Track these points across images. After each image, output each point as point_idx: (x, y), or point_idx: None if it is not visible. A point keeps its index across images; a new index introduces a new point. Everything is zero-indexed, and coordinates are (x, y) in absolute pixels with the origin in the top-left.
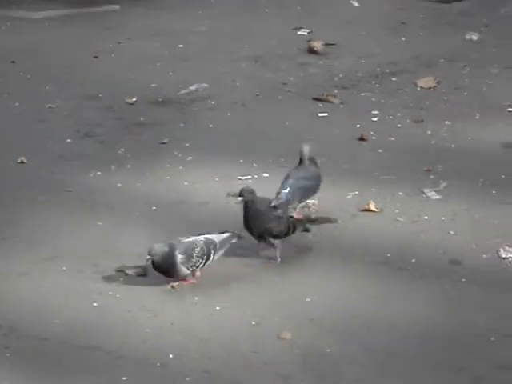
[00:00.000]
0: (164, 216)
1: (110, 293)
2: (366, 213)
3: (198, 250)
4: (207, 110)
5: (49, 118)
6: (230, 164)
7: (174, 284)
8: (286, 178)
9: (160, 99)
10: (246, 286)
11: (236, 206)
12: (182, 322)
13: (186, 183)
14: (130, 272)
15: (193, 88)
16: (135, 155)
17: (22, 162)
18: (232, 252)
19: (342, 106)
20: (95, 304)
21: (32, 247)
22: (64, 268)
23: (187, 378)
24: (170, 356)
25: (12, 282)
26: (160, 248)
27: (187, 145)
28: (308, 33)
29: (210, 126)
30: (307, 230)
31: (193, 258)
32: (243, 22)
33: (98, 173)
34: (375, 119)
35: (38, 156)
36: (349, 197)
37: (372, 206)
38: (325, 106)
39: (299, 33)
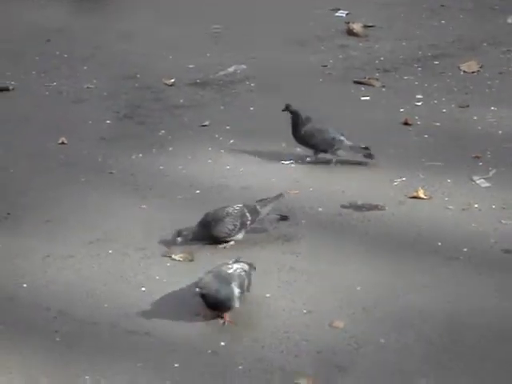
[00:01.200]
0: (207, 200)
1: (157, 277)
2: (415, 200)
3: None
4: (247, 92)
5: (87, 98)
6: (272, 148)
7: (228, 319)
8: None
9: (198, 80)
10: (295, 274)
11: (277, 190)
12: (233, 308)
13: (227, 167)
14: (176, 257)
15: (231, 70)
16: (176, 137)
17: (62, 143)
18: (280, 241)
19: (384, 89)
20: (143, 289)
21: (76, 230)
22: (110, 251)
23: (240, 367)
24: (222, 343)
25: (58, 265)
26: (211, 282)
27: (228, 127)
28: (346, 14)
29: (251, 108)
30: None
31: (243, 292)
32: (281, 3)
33: (140, 155)
34: (419, 103)
35: (79, 137)
36: (395, 183)
37: (421, 193)
38: (366, 89)
39: (337, 14)
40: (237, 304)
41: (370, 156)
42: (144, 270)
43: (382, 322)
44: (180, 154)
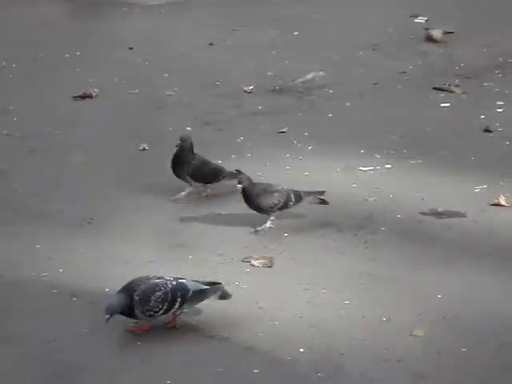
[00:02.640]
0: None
1: (236, 283)
2: (496, 207)
3: (158, 294)
4: (325, 99)
5: (168, 105)
6: (351, 154)
7: (130, 327)
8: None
9: (277, 87)
10: (374, 281)
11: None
12: (311, 315)
13: (306, 173)
14: (255, 263)
15: (309, 76)
16: (254, 144)
17: (143, 149)
18: (360, 248)
19: (464, 96)
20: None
21: (157, 235)
22: (190, 257)
23: (319, 374)
24: (301, 350)
25: (138, 270)
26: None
27: (306, 134)
28: (425, 21)
29: (329, 115)
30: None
31: (150, 302)
32: (359, 8)
33: (219, 161)
34: (500, 110)
35: (159, 143)
36: (476, 190)
37: (502, 201)
38: (446, 95)
39: (416, 20)
40: (138, 313)
41: (323, 202)
42: (223, 275)
43: (463, 330)
44: (258, 160)
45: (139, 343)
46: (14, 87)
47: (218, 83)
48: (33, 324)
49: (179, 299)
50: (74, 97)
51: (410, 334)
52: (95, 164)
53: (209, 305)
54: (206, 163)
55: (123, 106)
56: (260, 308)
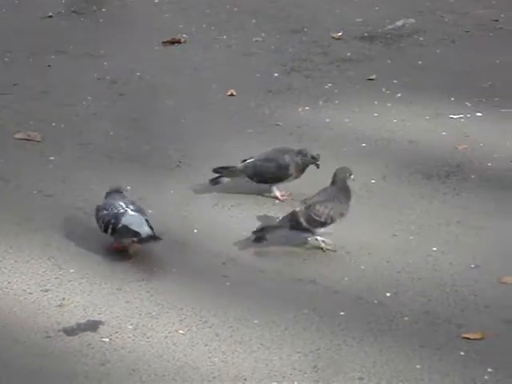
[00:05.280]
0: (373, 153)
1: (322, 229)
2: None
3: (100, 213)
4: (415, 46)
5: (255, 51)
6: (441, 102)
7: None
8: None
9: (366, 34)
10: (463, 228)
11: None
12: (398, 260)
13: (394, 120)
14: None
15: (399, 23)
16: (342, 91)
17: (231, 95)
18: (449, 195)
19: None
20: (309, 239)
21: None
22: (276, 201)
23: (405, 318)
24: (387, 294)
25: (226, 213)
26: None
27: (395, 81)
28: None
29: (419, 62)
30: None
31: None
32: None
33: (306, 108)
34: None
35: (247, 89)
36: None
37: None
38: None
39: None
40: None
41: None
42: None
43: None
44: (346, 107)
45: (226, 283)
46: (103, 32)
47: (305, 29)
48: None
49: (110, 226)
50: (163, 42)
51: (499, 281)
52: (184, 108)
53: (295, 249)
54: None
55: (211, 52)
56: (347, 253)
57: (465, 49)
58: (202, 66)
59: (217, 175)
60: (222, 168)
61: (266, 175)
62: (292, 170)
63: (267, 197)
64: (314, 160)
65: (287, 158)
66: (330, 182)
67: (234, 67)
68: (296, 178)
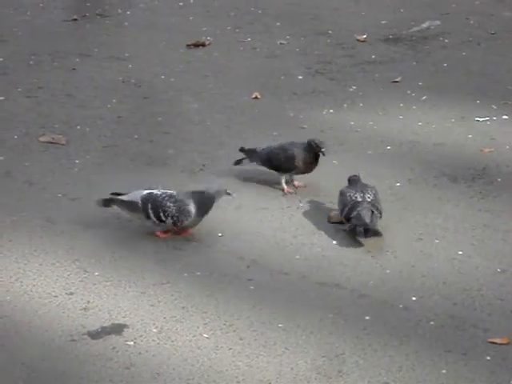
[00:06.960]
0: (398, 156)
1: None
2: None
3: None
4: (440, 48)
5: (280, 54)
6: (466, 104)
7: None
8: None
9: (391, 36)
10: (489, 232)
11: (471, 148)
12: (423, 264)
13: (419, 123)
14: None
15: (425, 25)
16: (367, 93)
17: (255, 98)
18: (475, 199)
19: None
20: (334, 242)
21: (268, 184)
22: (301, 204)
23: (431, 322)
24: (413, 298)
25: (250, 216)
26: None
27: (420, 84)
28: None
29: (444, 64)
30: None
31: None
32: None
33: (331, 110)
34: None
35: (271, 92)
36: None
37: None
38: None
39: None
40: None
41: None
42: (334, 224)
43: None
44: (371, 109)
45: (251, 286)
46: (128, 35)
47: (330, 32)
48: None
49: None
50: (188, 45)
51: None
52: (208, 111)
53: (320, 251)
54: None
55: (235, 55)
56: (372, 257)
57: (490, 51)
58: (226, 68)
59: (241, 157)
60: (248, 150)
61: (274, 162)
62: (299, 161)
63: (277, 188)
64: (318, 148)
65: (295, 150)
66: None
67: (258, 70)
68: (306, 170)
